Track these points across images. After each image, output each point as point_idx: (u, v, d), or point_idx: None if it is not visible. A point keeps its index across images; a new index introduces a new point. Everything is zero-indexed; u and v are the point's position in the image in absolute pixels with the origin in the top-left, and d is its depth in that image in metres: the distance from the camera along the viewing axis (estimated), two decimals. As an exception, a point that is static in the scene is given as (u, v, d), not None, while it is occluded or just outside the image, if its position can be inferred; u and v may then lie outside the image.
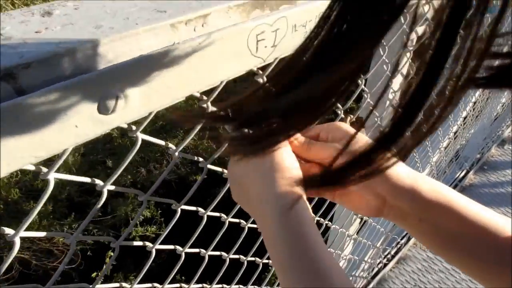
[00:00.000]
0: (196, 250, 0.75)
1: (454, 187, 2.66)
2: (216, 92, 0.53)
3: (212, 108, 0.54)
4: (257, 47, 0.52)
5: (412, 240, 2.32)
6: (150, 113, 0.46)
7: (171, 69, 0.43)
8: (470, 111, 2.05)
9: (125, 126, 0.45)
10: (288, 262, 0.41)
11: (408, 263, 2.27)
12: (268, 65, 0.60)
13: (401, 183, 0.46)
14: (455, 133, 2.00)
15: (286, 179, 0.45)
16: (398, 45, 0.94)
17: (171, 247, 0.70)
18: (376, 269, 2.12)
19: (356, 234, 1.52)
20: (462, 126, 2.09)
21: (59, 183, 3.46)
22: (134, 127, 0.47)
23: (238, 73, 0.52)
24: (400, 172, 0.47)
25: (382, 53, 0.87)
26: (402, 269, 2.25)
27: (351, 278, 1.83)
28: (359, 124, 0.93)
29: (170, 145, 0.56)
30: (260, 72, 0.59)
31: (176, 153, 0.56)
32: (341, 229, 1.31)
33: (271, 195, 0.44)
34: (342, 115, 0.88)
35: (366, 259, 1.85)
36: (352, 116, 0.92)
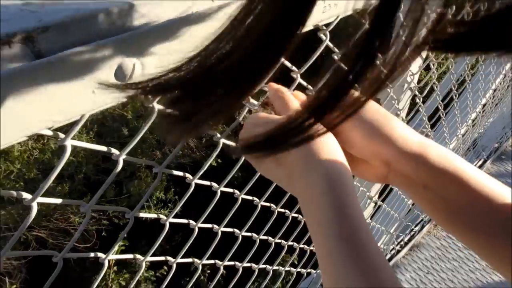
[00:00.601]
0: (209, 225, 0.76)
1: (471, 176, 2.62)
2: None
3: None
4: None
5: (426, 228, 2.30)
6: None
7: (189, 38, 0.43)
8: (490, 98, 2.00)
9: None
10: (333, 245, 0.37)
11: (421, 251, 2.26)
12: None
13: (407, 148, 0.44)
14: (473, 120, 1.96)
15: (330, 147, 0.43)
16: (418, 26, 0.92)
17: (184, 221, 0.70)
18: (388, 256, 2.12)
19: (370, 219, 1.52)
20: (481, 113, 2.04)
21: (75, 162, 3.52)
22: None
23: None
24: (408, 137, 0.45)
25: (401, 33, 0.84)
26: (415, 256, 2.24)
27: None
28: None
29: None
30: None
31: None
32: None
33: (317, 164, 0.41)
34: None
35: (379, 244, 1.85)
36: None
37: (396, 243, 2.09)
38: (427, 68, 1.15)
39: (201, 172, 0.62)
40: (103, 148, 0.47)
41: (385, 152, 0.45)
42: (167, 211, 3.48)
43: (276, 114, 0.53)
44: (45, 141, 3.43)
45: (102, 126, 3.67)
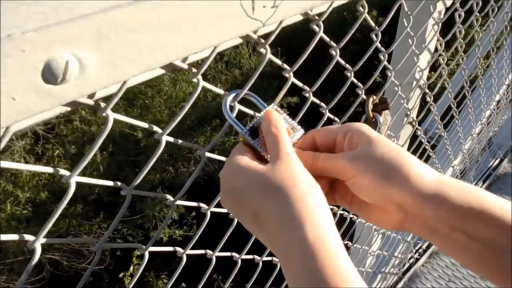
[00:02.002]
0: (228, 253, 0.68)
1: (488, 176, 2.50)
2: (208, 62, 0.44)
3: (203, 83, 0.45)
4: (253, 6, 0.43)
5: (444, 235, 2.18)
6: (121, 87, 0.38)
7: (141, 28, 0.34)
8: (504, 94, 1.89)
9: (90, 102, 0.37)
10: None
11: (441, 258, 2.14)
12: (271, 33, 0.51)
13: (424, 188, 0.39)
14: (488, 118, 1.85)
15: (308, 194, 0.39)
16: (424, 17, 0.83)
17: (201, 251, 0.65)
18: (407, 265, 2.00)
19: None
20: (495, 111, 1.93)
21: (87, 184, 3.49)
22: (103, 104, 0.38)
23: (231, 38, 0.42)
24: (423, 175, 0.40)
25: (406, 24, 0.76)
26: (435, 264, 2.12)
27: (380, 275, 1.72)
28: (383, 106, 0.83)
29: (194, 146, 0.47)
30: (262, 40, 0.50)
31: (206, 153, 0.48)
32: (367, 223, 1.20)
33: (297, 219, 0.37)
34: (364, 96, 0.78)
35: (396, 254, 1.74)
36: (375, 97, 0.82)
37: (414, 251, 1.97)
38: (436, 64, 1.06)
39: (216, 201, 0.57)
40: (109, 183, 0.40)
41: (400, 195, 0.40)
42: (182, 231, 3.42)
43: (264, 148, 0.45)
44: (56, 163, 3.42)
45: (113, 145, 3.66)
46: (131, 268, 2.98)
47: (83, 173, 3.63)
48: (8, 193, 3.05)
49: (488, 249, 0.37)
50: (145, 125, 0.44)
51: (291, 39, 3.91)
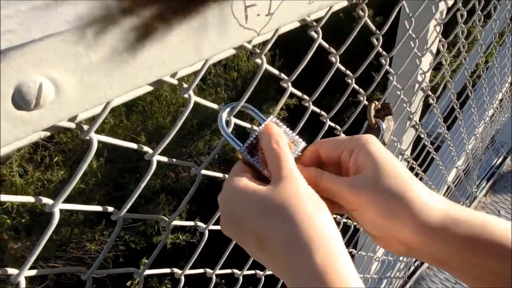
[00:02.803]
0: (228, 270, 0.65)
1: (492, 175, 2.47)
2: (199, 77, 0.41)
3: (195, 98, 0.42)
4: (246, 15, 0.40)
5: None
6: (104, 108, 0.35)
7: (122, 45, 0.31)
8: (507, 92, 1.86)
9: (72, 125, 0.34)
10: None
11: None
12: (267, 41, 0.48)
13: (429, 226, 0.37)
14: (491, 117, 1.82)
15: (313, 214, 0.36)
16: (426, 18, 0.80)
17: (200, 271, 0.62)
18: (412, 268, 1.97)
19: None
20: (498, 109, 1.90)
21: (87, 191, 3.49)
22: (86, 127, 0.35)
23: (223, 50, 0.40)
24: (429, 207, 0.37)
25: (407, 26, 0.73)
26: (440, 267, 2.09)
27: (385, 280, 1.69)
28: (386, 112, 0.80)
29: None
30: (257, 50, 0.47)
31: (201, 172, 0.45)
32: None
33: (304, 242, 0.34)
34: (365, 102, 0.75)
35: (401, 258, 1.71)
36: (376, 103, 0.79)
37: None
38: (439, 65, 1.03)
39: (214, 220, 0.54)
40: (98, 209, 0.36)
41: (404, 234, 0.38)
42: (186, 236, 3.39)
43: (264, 165, 0.42)
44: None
45: (113, 151, 3.64)
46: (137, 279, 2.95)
47: (82, 180, 3.62)
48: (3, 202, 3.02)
49: (501, 279, 0.35)
50: (133, 145, 0.41)
51: (289, 41, 3.89)
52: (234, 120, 0.48)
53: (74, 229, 3.47)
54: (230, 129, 0.47)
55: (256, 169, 0.43)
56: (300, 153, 0.45)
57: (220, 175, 0.54)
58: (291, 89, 0.52)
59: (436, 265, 0.39)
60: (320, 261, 0.33)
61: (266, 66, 0.47)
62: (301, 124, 0.58)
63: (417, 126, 1.04)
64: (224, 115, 0.46)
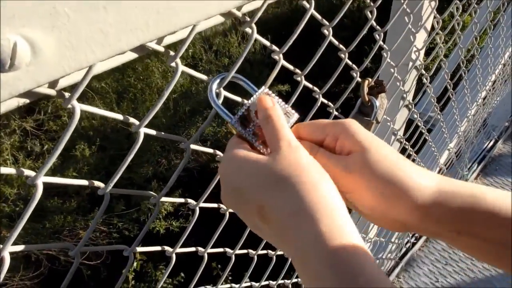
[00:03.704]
0: (220, 249, 0.64)
1: (483, 158, 2.48)
2: (186, 45, 0.39)
3: (183, 68, 0.41)
4: (236, -22, 0.38)
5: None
6: (86, 74, 0.33)
7: (105, 4, 0.30)
8: (499, 74, 1.86)
9: (52, 92, 0.32)
10: None
11: (437, 241, 2.13)
12: (257, 9, 0.46)
13: (422, 204, 0.37)
14: (483, 99, 1.82)
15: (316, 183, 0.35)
16: (421, -9, 0.79)
17: (192, 249, 0.60)
18: (404, 249, 1.99)
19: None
20: (491, 91, 1.90)
21: (79, 177, 3.48)
22: (67, 94, 0.34)
23: (211, 15, 0.38)
24: (420, 189, 0.37)
25: (402, 0, 0.71)
26: (432, 248, 2.11)
27: (377, 261, 1.70)
28: (379, 89, 0.79)
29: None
30: (247, 18, 0.45)
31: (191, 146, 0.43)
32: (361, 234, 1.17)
33: (309, 211, 0.33)
34: (359, 79, 0.73)
35: (393, 240, 1.72)
36: (370, 80, 0.77)
37: (410, 235, 1.96)
38: (432, 44, 1.01)
39: (205, 197, 0.53)
40: (84, 182, 0.35)
41: (400, 214, 0.38)
42: (179, 222, 3.39)
43: (257, 138, 0.41)
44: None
45: (105, 138, 3.62)
46: (135, 264, 2.99)
47: (74, 169, 3.60)
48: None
49: (497, 246, 0.36)
50: (119, 116, 0.39)
51: (280, 27, 3.85)
52: (224, 93, 0.46)
53: (67, 217, 3.46)
54: (221, 101, 0.46)
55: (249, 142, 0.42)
56: (293, 124, 0.44)
57: (210, 150, 0.53)
58: (283, 61, 0.51)
59: (433, 237, 0.39)
60: (325, 229, 0.32)
61: (256, 36, 0.45)
62: (293, 99, 0.56)
63: (410, 106, 1.03)
64: (214, 87, 0.44)
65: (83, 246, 0.40)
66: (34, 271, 3.43)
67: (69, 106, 0.33)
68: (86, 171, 3.55)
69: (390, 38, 0.83)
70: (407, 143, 1.13)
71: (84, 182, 0.39)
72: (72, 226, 3.47)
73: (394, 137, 1.05)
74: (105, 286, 3.36)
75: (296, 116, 0.44)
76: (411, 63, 0.91)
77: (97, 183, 0.40)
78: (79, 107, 0.34)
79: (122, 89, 3.84)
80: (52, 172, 3.43)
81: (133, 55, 0.37)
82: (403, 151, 1.17)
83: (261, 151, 0.40)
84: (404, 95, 0.95)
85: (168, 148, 3.78)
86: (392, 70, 0.82)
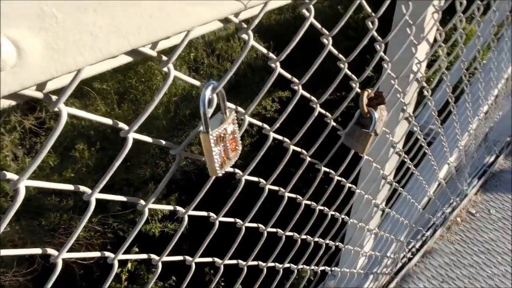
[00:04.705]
0: (209, 259, 0.64)
1: (483, 173, 2.47)
2: (179, 50, 0.38)
3: (175, 73, 0.40)
4: (233, -15, 0.38)
5: (439, 232, 2.15)
6: (74, 78, 0.32)
7: (95, 6, 0.29)
8: (502, 88, 1.85)
9: (39, 95, 0.32)
10: None
11: (434, 257, 2.10)
12: (255, 17, 0.45)
13: None
14: (485, 113, 1.81)
15: None
16: (423, 3, 0.78)
17: (179, 258, 0.60)
18: (399, 264, 1.96)
19: (378, 229, 1.37)
20: (493, 106, 1.89)
21: (77, 179, 3.47)
22: (54, 97, 0.33)
23: (207, 21, 0.37)
24: None
25: (404, 11, 0.70)
26: (428, 264, 2.08)
27: (372, 276, 1.68)
28: (378, 100, 0.78)
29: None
30: (244, 25, 0.44)
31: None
32: (360, 224, 1.16)
33: None
34: (358, 89, 0.73)
35: (388, 254, 1.70)
36: (370, 91, 0.77)
37: (407, 250, 1.93)
38: (434, 55, 1.01)
39: (194, 205, 0.52)
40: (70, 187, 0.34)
41: None
42: (174, 225, 3.38)
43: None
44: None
45: (104, 139, 3.61)
46: (129, 265, 2.98)
47: (72, 169, 3.59)
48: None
49: None
50: (108, 121, 0.38)
51: (282, 34, 3.85)
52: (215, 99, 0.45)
53: (63, 215, 3.46)
54: (212, 109, 0.45)
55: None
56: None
57: (201, 157, 0.52)
58: (279, 69, 0.50)
59: None
60: None
61: (253, 43, 0.44)
62: (290, 108, 0.55)
63: (410, 119, 1.02)
64: (208, 93, 0.43)
65: (65, 252, 0.39)
66: (27, 268, 3.43)
67: (56, 109, 0.33)
68: (85, 172, 3.55)
69: (391, 49, 0.82)
70: (406, 156, 1.12)
71: (70, 187, 0.38)
72: (68, 224, 3.46)
73: (393, 149, 1.04)
74: (98, 286, 3.34)
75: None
76: (412, 75, 0.90)
77: (82, 188, 0.39)
78: (66, 111, 0.33)
79: (123, 90, 3.84)
80: (50, 171, 3.43)
81: (127, 59, 0.36)
82: (401, 164, 1.15)
83: (217, 171, 0.41)
84: (404, 107, 0.94)
85: (166, 150, 3.79)
86: (392, 81, 0.82)
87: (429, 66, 1.01)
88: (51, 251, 0.39)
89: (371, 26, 0.62)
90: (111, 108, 3.71)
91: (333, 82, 0.63)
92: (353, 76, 0.68)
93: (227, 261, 0.65)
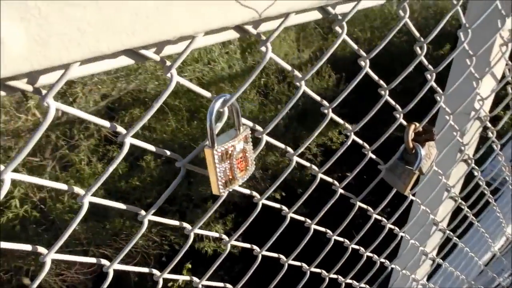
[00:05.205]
0: (220, 285, 0.61)
1: None
2: (182, 57, 0.36)
3: (178, 78, 0.38)
4: (246, -9, 0.35)
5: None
6: (63, 74, 0.31)
7: (86, 1, 0.28)
8: None
9: (29, 88, 0.31)
10: None
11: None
12: (275, 29, 0.42)
13: None
14: None
15: None
16: (488, 33, 0.70)
17: (187, 278, 0.59)
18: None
19: (427, 280, 1.23)
20: None
21: (141, 187, 3.64)
22: (44, 91, 0.32)
23: (214, 27, 0.35)
24: None
25: (463, 39, 0.63)
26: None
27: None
28: (427, 136, 0.70)
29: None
30: (263, 37, 0.41)
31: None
32: (404, 271, 1.05)
33: None
34: (403, 121, 0.66)
35: None
36: (417, 124, 0.70)
37: None
38: (501, 93, 0.90)
39: (199, 224, 0.51)
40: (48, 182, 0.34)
41: None
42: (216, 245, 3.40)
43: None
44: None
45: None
46: (181, 281, 3.04)
47: (138, 177, 3.75)
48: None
49: None
50: (106, 123, 0.37)
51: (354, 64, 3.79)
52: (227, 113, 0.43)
53: (126, 221, 3.61)
54: (221, 124, 0.42)
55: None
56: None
57: (206, 171, 0.49)
58: (304, 87, 0.46)
59: None
60: None
61: (271, 55, 0.41)
62: (317, 132, 0.51)
63: (469, 161, 0.92)
64: (217, 105, 0.41)
65: (54, 253, 0.38)
66: (89, 267, 3.62)
67: (44, 104, 0.32)
68: (148, 182, 3.69)
69: (448, 81, 0.75)
70: (463, 202, 1.00)
71: (64, 186, 0.37)
72: (129, 230, 3.61)
73: (447, 193, 0.93)
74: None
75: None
76: (473, 113, 0.81)
77: (77, 190, 0.38)
78: (54, 106, 0.32)
79: (194, 108, 3.97)
80: (118, 178, 3.61)
81: (128, 61, 0.35)
82: (458, 211, 1.04)
83: (220, 190, 0.41)
84: (462, 148, 0.85)
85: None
86: (447, 117, 0.74)
87: (496, 104, 0.90)
88: (41, 249, 0.38)
89: (419, 51, 0.56)
90: (181, 124, 3.84)
91: (371, 110, 0.58)
92: (397, 106, 0.62)
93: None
